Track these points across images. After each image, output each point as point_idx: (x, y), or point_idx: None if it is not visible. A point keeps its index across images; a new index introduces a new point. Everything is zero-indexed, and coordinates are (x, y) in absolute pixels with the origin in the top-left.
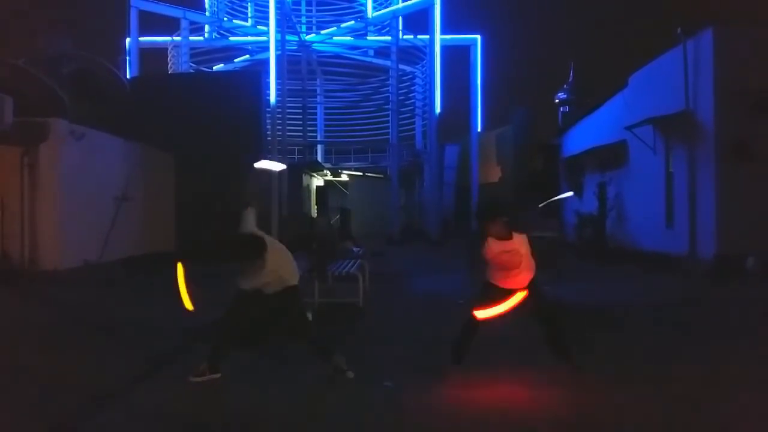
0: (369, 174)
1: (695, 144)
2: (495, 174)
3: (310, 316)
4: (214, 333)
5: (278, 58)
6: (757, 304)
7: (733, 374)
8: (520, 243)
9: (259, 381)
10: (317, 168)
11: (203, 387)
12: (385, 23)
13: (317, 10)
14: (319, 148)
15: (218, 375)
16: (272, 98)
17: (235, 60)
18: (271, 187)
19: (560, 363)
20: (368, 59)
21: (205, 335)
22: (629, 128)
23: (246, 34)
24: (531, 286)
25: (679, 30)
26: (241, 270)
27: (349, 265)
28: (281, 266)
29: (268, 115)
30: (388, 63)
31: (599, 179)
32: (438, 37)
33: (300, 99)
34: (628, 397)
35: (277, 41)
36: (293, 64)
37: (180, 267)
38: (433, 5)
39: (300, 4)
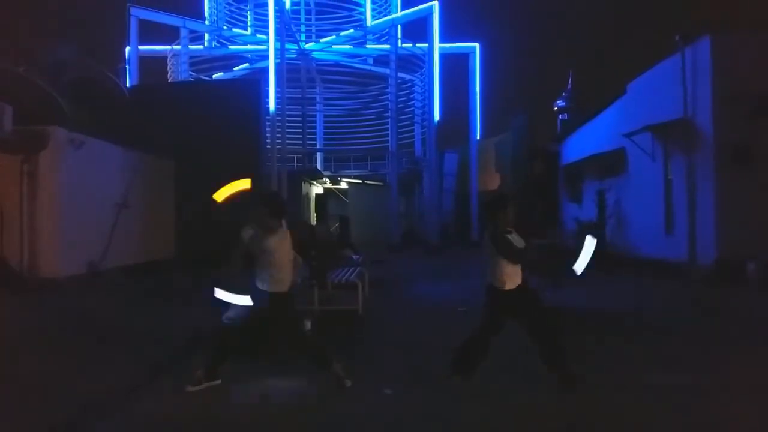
0: (368, 181)
1: (694, 151)
2: (494, 181)
3: (309, 324)
4: (223, 337)
5: (278, 66)
6: (757, 310)
7: (735, 380)
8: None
9: (259, 388)
10: (316, 176)
11: (202, 394)
12: (384, 31)
13: (316, 19)
14: (319, 156)
15: (218, 381)
16: (271, 106)
17: (235, 68)
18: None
19: (555, 380)
20: (367, 67)
21: (204, 343)
22: (628, 135)
23: (245, 43)
24: (530, 296)
25: (677, 37)
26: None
27: (349, 272)
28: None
29: (267, 123)
30: (387, 71)
31: (598, 186)
32: (437, 45)
33: (299, 107)
34: (628, 404)
35: (276, 50)
36: (292, 72)
37: (249, 183)
38: (431, 13)
39: (299, 13)
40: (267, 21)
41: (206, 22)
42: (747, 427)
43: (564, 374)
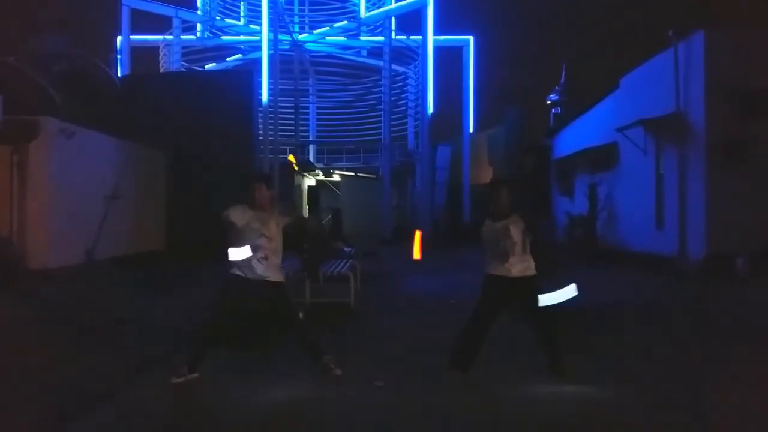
0: (361, 174)
1: (686, 145)
2: (486, 175)
3: (301, 315)
4: (197, 330)
5: (270, 57)
6: (746, 305)
7: (724, 374)
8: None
9: (249, 381)
10: (309, 168)
11: (193, 387)
12: (378, 23)
13: (310, 10)
14: (311, 147)
15: (196, 374)
16: (264, 98)
17: (227, 59)
18: None
19: (548, 367)
20: (361, 59)
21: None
22: (620, 130)
23: (238, 33)
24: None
25: (670, 32)
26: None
27: (341, 265)
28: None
29: (260, 114)
30: (380, 63)
31: (590, 180)
32: (431, 37)
33: (292, 99)
34: (618, 398)
35: (269, 40)
36: (285, 63)
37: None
38: (426, 6)
39: (293, 4)
40: (260, 11)
41: (199, 12)
42: (736, 420)
43: (555, 363)
